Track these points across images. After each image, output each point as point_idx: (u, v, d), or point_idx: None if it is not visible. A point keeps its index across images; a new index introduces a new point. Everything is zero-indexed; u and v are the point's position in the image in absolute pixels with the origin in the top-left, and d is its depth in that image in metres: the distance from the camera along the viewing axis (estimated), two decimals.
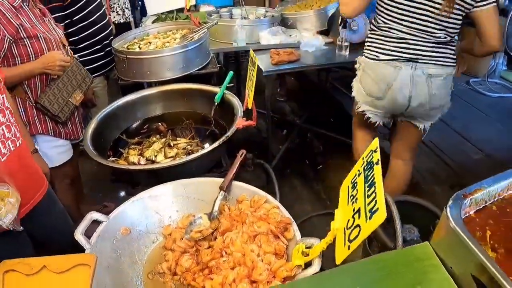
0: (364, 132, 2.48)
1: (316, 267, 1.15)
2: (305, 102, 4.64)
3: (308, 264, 1.18)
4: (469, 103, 4.56)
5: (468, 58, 2.26)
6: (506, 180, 0.85)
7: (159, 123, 2.36)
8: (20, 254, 1.41)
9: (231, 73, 2.45)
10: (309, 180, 3.43)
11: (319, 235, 1.21)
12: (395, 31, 1.99)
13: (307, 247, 1.21)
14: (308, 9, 3.47)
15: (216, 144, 1.81)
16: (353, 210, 0.98)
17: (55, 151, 2.30)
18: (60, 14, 2.71)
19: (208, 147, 1.86)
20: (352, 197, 1.04)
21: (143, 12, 4.90)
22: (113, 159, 1.98)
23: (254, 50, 2.40)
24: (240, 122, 1.94)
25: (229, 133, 1.87)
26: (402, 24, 1.96)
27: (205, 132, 2.30)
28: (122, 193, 2.06)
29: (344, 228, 0.99)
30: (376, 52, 2.07)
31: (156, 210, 1.58)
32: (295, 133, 4.02)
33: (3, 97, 1.49)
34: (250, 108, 2.03)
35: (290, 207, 1.45)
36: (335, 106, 4.42)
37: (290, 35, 3.23)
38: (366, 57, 2.15)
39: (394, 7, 1.94)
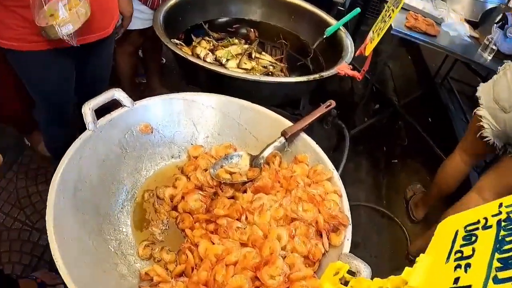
0: (467, 148, 1.93)
1: None
2: (411, 87, 4.01)
3: None
4: None
5: None
6: None
7: (251, 29, 1.93)
8: (64, 84, 1.50)
9: (357, 9, 1.96)
10: (377, 169, 2.94)
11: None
12: None
13: (349, 272, 0.80)
14: None
15: (304, 78, 1.38)
16: (455, 281, 0.55)
17: (134, 14, 1.97)
18: None
19: (293, 78, 1.43)
20: (460, 254, 0.60)
21: None
22: (178, 42, 1.60)
23: None
24: (344, 67, 1.49)
25: (326, 73, 1.43)
26: None
27: (297, 62, 1.86)
28: None
29: None
30: None
31: (194, 121, 1.22)
32: (387, 113, 3.47)
33: None
34: (366, 55, 1.54)
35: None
36: (440, 108, 3.76)
37: (437, 8, 2.62)
38: None
39: None
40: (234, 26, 1.97)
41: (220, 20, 1.97)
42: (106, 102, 1.06)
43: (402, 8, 2.47)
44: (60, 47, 1.31)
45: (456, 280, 0.56)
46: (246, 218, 0.95)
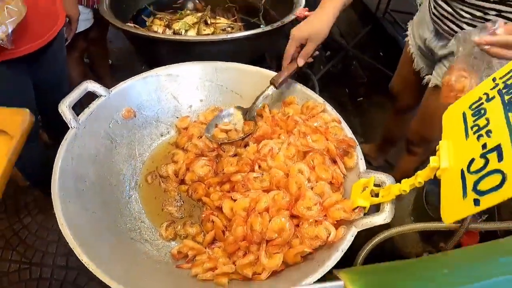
0: (399, 82, 1.91)
1: (388, 215, 0.76)
2: (357, 27, 4.04)
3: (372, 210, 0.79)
4: None
5: None
6: None
7: (197, 1, 1.88)
8: (20, 95, 1.42)
9: None
10: (346, 111, 2.97)
11: None
12: None
13: (375, 185, 0.81)
14: None
15: (267, 28, 1.36)
16: (483, 146, 0.56)
17: None
18: None
19: (251, 31, 1.41)
20: (477, 127, 0.62)
21: None
22: (132, 25, 1.54)
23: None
24: (301, 11, 1.48)
25: (285, 20, 1.42)
26: None
27: (250, 21, 1.83)
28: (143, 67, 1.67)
29: (463, 170, 0.57)
30: None
31: (173, 94, 1.18)
32: (339, 57, 3.50)
33: None
34: None
35: None
36: (387, 39, 3.83)
37: None
38: None
39: None
40: (178, 2, 1.91)
41: None
42: (80, 97, 1.01)
43: None
44: (9, 59, 1.24)
45: (484, 146, 0.58)
46: (260, 167, 0.94)
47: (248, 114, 1.08)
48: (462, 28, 1.17)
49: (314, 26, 1.05)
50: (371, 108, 3.02)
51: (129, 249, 0.90)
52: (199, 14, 1.66)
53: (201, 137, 1.08)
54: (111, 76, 2.60)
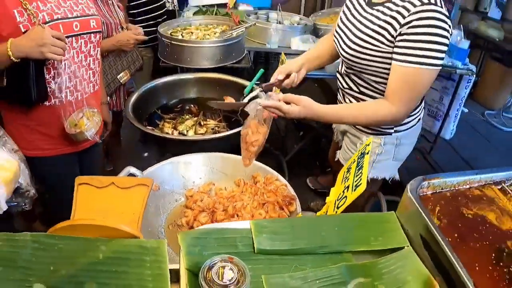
0: None
1: None
2: None
3: None
4: (481, 134, 4.76)
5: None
6: (463, 176, 1.11)
7: (192, 105, 2.64)
8: (72, 177, 1.96)
9: (262, 70, 2.71)
10: (316, 178, 3.68)
11: None
12: None
13: None
14: None
15: (240, 128, 2.08)
16: (344, 187, 1.25)
17: None
18: None
19: (233, 130, 2.14)
20: (345, 178, 1.31)
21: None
22: (151, 128, 2.27)
23: (284, 54, 2.67)
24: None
25: None
26: None
27: (231, 119, 2.57)
28: (146, 154, 2.37)
29: (335, 200, 1.26)
30: None
31: (183, 174, 1.86)
32: (309, 136, 4.28)
33: (98, 50, 1.97)
34: None
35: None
36: None
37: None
38: None
39: None
40: (179, 106, 2.67)
41: (169, 103, 2.67)
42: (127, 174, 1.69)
43: (293, 53, 3.32)
44: (66, 152, 1.96)
45: (345, 187, 1.26)
46: (237, 215, 1.61)
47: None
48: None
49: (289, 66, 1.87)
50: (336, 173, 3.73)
51: None
52: (195, 118, 2.41)
53: (202, 200, 1.75)
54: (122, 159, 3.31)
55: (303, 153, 4.00)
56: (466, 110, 5.16)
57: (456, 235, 0.98)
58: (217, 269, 0.79)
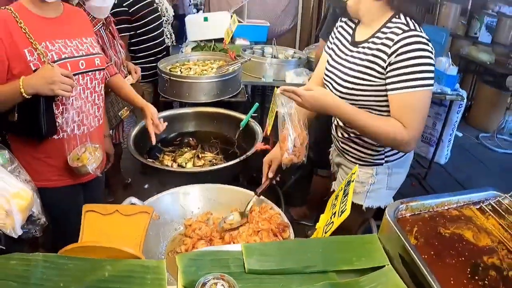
0: None
1: None
2: (321, 140, 4.99)
3: None
4: (475, 157, 4.85)
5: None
6: (440, 198, 1.21)
7: (191, 138, 2.75)
8: (76, 207, 2.02)
9: (256, 104, 2.85)
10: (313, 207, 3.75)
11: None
12: None
13: None
14: None
15: (236, 160, 2.19)
16: (332, 213, 1.34)
17: None
18: (127, 25, 3.24)
19: (229, 162, 2.24)
20: (333, 205, 1.40)
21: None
22: (151, 160, 2.37)
23: (279, 87, 2.79)
24: (258, 145, 2.32)
25: (248, 153, 2.25)
26: None
27: (228, 151, 2.68)
28: (146, 185, 2.46)
29: (324, 226, 1.34)
30: None
31: (182, 205, 1.95)
32: (307, 167, 4.35)
33: (102, 86, 2.10)
34: (268, 135, 2.41)
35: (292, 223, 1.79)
36: None
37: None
38: None
39: None
40: (178, 139, 2.78)
41: (168, 137, 2.78)
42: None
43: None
44: (72, 183, 2.07)
45: (332, 213, 1.34)
46: (233, 242, 1.68)
47: (243, 214, 1.84)
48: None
49: (274, 154, 1.93)
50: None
51: None
52: (194, 151, 2.51)
53: (200, 229, 1.83)
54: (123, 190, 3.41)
55: (300, 184, 4.08)
56: (460, 134, 5.28)
57: (432, 252, 1.07)
58: (210, 285, 0.88)
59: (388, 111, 1.73)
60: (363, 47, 1.76)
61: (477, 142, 5.32)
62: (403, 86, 1.62)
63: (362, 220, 2.23)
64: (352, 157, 2.07)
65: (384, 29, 1.70)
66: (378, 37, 1.70)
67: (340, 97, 1.83)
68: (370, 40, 1.74)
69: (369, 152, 1.97)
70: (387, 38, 1.65)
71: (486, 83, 6.02)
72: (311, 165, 4.35)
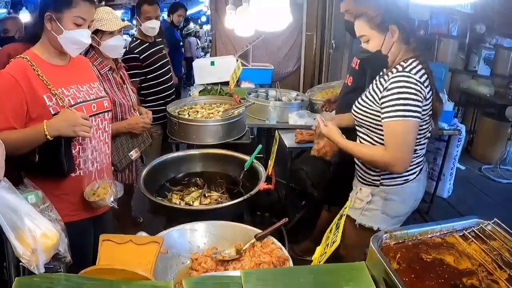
0: None
1: None
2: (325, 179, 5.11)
3: None
4: (478, 189, 4.90)
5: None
6: (424, 227, 1.33)
7: (198, 178, 2.89)
8: (89, 239, 2.32)
9: (260, 146, 3.00)
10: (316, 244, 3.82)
11: None
12: None
13: None
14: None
15: (241, 199, 2.32)
16: (326, 244, 1.46)
17: None
18: (138, 71, 3.48)
19: (234, 200, 2.37)
20: (328, 237, 1.52)
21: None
22: (160, 199, 2.51)
23: (282, 128, 2.97)
24: (262, 185, 2.46)
25: (252, 192, 2.38)
26: None
27: (234, 191, 2.80)
28: None
29: (318, 257, 1.46)
30: None
31: (189, 240, 2.07)
32: (311, 205, 4.45)
33: (110, 126, 2.33)
34: (270, 175, 2.55)
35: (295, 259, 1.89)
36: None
37: (315, 118, 3.80)
38: None
39: None
40: (185, 179, 2.92)
41: (176, 176, 2.92)
42: None
43: (291, 128, 3.63)
44: (86, 217, 2.23)
45: (326, 244, 1.46)
46: None
47: (239, 250, 1.95)
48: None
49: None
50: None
51: None
52: (200, 190, 2.66)
53: (206, 262, 1.94)
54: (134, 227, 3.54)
55: (306, 222, 4.17)
56: (463, 167, 5.35)
57: (413, 275, 1.19)
58: None
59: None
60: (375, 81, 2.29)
61: (480, 174, 5.39)
62: (389, 116, 2.04)
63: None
64: (358, 175, 2.47)
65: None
66: (383, 74, 2.24)
67: (354, 115, 2.36)
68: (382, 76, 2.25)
69: (369, 171, 2.35)
70: (384, 79, 2.16)
71: (487, 115, 6.12)
72: (316, 204, 4.48)
